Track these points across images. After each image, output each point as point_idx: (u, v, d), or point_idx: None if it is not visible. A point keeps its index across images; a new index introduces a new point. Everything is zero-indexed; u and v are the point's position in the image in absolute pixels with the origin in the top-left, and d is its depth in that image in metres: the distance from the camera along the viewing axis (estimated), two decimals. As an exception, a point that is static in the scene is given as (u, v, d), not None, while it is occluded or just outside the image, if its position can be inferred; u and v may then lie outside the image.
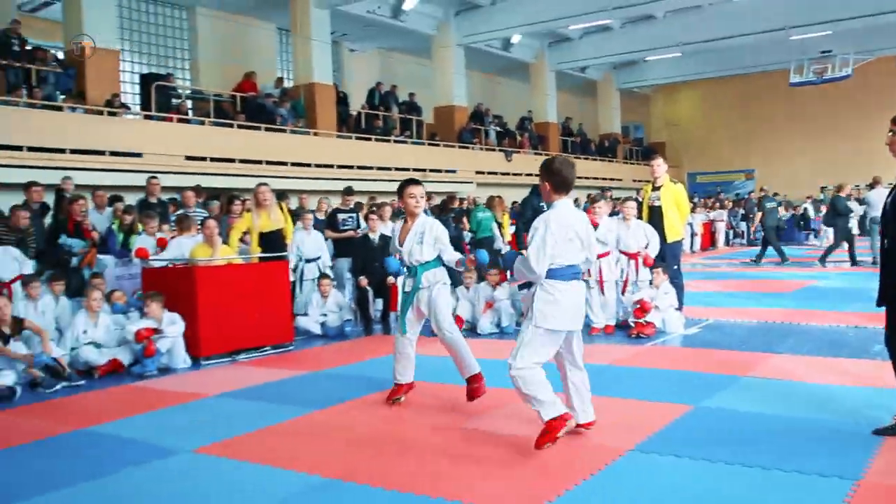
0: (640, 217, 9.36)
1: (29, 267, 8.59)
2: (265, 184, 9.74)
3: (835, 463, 4.16)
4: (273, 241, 9.40)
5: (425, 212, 6.22)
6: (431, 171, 21.56)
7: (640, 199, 9.71)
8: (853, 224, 22.00)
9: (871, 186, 16.67)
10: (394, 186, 21.66)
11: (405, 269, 5.91)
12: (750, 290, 12.10)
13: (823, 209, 23.11)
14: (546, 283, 4.54)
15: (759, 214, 19.27)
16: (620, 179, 29.20)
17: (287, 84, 20.64)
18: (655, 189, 9.31)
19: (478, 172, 23.34)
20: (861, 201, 20.64)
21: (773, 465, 4.16)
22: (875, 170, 24.56)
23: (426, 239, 5.71)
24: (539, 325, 4.52)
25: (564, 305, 4.54)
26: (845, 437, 4.63)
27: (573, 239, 4.59)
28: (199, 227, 9.51)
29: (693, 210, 20.81)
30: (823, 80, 26.59)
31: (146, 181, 11.48)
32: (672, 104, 36.80)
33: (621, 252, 9.12)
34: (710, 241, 23.98)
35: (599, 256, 8.82)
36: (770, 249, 17.98)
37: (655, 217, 9.20)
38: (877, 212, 15.63)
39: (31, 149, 13.23)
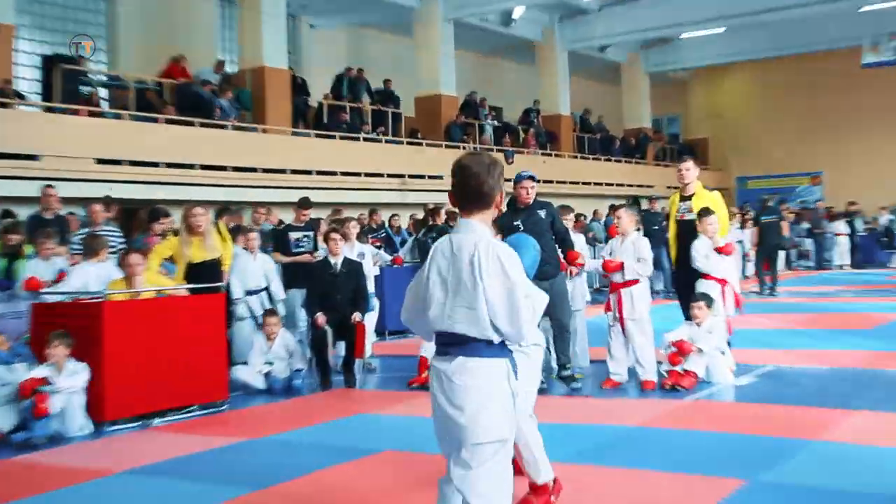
0: (664, 233, 9.31)
1: None
2: (199, 204, 9.72)
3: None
4: (206, 274, 9.30)
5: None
6: (412, 177, 21.50)
7: (667, 212, 9.62)
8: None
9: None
10: (360, 196, 21.55)
11: None
12: (820, 326, 12.03)
13: None
14: None
15: (756, 231, 19.26)
16: (651, 186, 29.10)
17: (229, 69, 20.52)
18: (685, 199, 9.28)
19: (471, 178, 23.26)
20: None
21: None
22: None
23: None
24: None
25: None
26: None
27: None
28: (110, 251, 9.35)
29: (744, 224, 20.71)
30: (905, 60, 26.76)
31: (40, 191, 11.31)
32: (715, 92, 36.98)
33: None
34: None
35: (625, 285, 8.67)
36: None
37: (686, 233, 9.11)
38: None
39: None
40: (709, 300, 8.85)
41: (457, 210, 3.73)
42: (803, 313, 14.10)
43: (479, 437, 3.45)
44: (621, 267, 8.71)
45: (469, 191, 3.64)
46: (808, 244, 26.02)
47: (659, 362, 8.69)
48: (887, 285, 19.08)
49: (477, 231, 3.57)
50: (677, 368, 8.45)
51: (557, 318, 8.29)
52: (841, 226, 25.82)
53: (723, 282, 8.89)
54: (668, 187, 28.94)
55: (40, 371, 7.52)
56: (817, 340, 10.88)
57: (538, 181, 8.73)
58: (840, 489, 5.08)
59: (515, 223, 8.10)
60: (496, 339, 3.49)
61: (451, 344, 3.57)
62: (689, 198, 9.21)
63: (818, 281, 20.35)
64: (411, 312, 3.76)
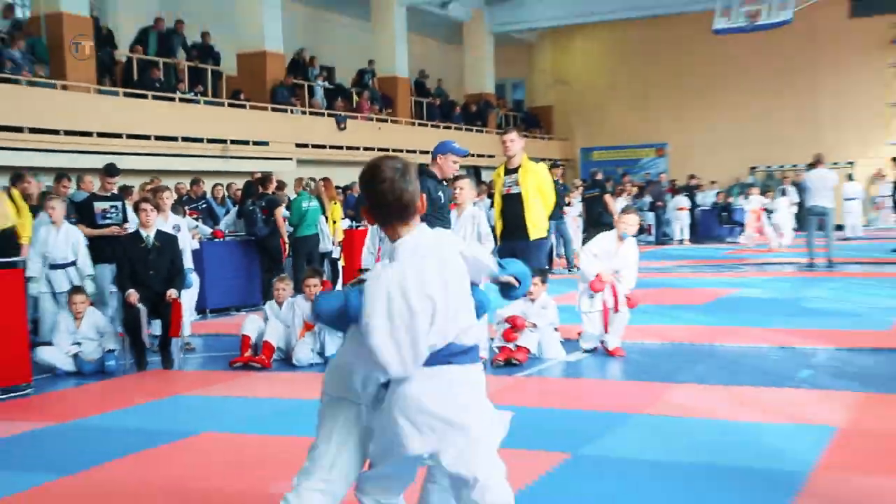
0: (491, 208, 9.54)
1: None
2: None
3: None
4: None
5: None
6: (233, 142, 21.37)
7: (492, 187, 9.87)
8: (788, 214, 23.36)
9: (811, 166, 17.50)
10: (178, 164, 21.31)
11: None
12: (656, 301, 12.68)
13: (753, 195, 24.38)
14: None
15: (582, 206, 20.16)
16: (493, 156, 29.61)
17: (21, 15, 19.90)
18: (511, 171, 9.58)
19: (299, 145, 23.30)
20: (799, 186, 21.91)
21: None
22: (820, 145, 26.08)
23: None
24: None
25: None
26: (761, 487, 5.03)
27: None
28: None
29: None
30: (756, 27, 27.36)
31: None
32: (562, 56, 37.56)
33: None
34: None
35: None
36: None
37: (513, 207, 9.45)
38: (815, 200, 16.70)
39: None
40: (543, 275, 9.37)
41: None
42: (639, 289, 14.80)
43: None
44: None
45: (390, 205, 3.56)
46: (650, 218, 27.15)
47: (490, 338, 9.02)
48: (725, 260, 20.26)
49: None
50: (509, 345, 8.93)
51: None
52: (682, 200, 27.16)
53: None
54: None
55: None
56: (651, 316, 11.40)
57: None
58: (658, 460, 5.56)
59: (439, 194, 8.19)
60: None
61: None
62: (516, 170, 9.50)
63: (657, 256, 21.24)
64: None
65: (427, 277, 3.42)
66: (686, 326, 10.82)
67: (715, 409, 6.83)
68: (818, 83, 32.72)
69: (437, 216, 7.95)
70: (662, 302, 12.77)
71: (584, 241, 18.98)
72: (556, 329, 9.35)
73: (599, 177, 20.67)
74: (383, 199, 3.54)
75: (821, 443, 5.82)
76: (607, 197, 19.36)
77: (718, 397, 7.24)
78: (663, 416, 6.70)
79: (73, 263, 10.53)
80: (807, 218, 17.32)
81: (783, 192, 24.13)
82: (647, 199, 27.43)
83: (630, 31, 34.60)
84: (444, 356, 3.52)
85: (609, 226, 10.31)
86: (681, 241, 26.65)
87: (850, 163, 30.84)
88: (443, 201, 8.30)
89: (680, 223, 26.96)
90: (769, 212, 23.39)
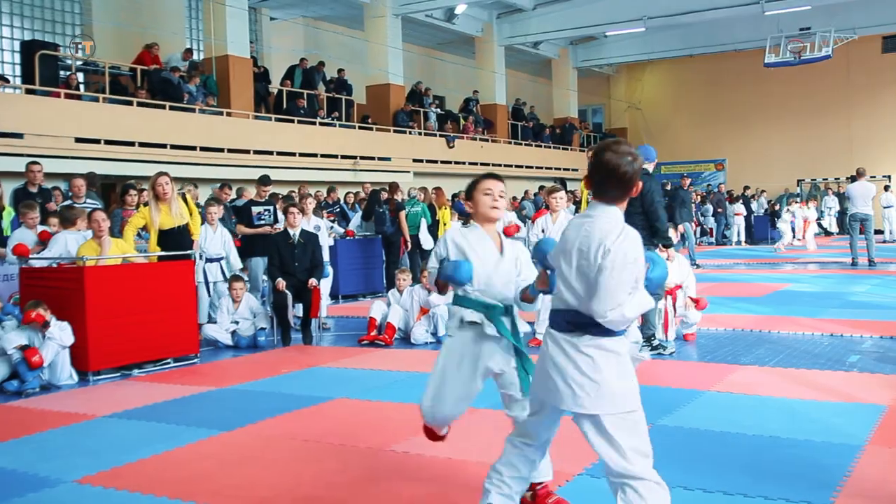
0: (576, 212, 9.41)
1: None
2: (164, 173, 9.58)
3: (804, 487, 4.26)
4: (175, 240, 9.30)
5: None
6: (363, 158, 21.56)
7: (578, 196, 9.75)
8: (831, 221, 22.67)
9: (853, 179, 16.99)
10: (318, 175, 21.44)
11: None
12: (719, 294, 12.33)
13: (794, 205, 23.73)
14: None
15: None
16: (576, 169, 29.51)
17: (197, 56, 20.37)
18: None
19: (415, 160, 23.38)
20: (841, 196, 21.26)
21: (736, 489, 4.25)
22: (858, 160, 25.40)
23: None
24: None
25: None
26: (817, 458, 4.75)
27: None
28: (87, 220, 9.34)
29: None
30: (801, 61, 27.17)
31: (25, 166, 11.21)
32: (635, 86, 37.29)
33: None
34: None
35: None
36: None
37: None
38: (858, 208, 16.13)
39: None
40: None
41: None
42: (705, 283, 14.44)
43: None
44: None
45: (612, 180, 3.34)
46: (712, 222, 26.76)
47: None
48: (776, 259, 19.67)
49: (613, 217, 3.31)
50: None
51: None
52: (739, 207, 26.61)
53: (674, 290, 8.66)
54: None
55: (24, 336, 7.53)
56: (716, 306, 11.04)
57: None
58: (726, 430, 5.32)
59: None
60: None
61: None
62: None
63: (719, 255, 20.81)
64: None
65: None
66: (746, 316, 10.42)
67: (774, 388, 6.52)
68: (853, 109, 32.23)
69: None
70: (725, 294, 12.42)
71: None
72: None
73: (668, 187, 20.19)
74: (611, 175, 3.33)
75: (872, 419, 5.49)
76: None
77: (777, 378, 6.92)
78: (729, 394, 6.42)
79: (221, 258, 10.56)
80: (850, 223, 16.75)
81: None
82: (710, 206, 26.85)
83: (692, 65, 34.31)
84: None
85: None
86: (738, 243, 26.10)
87: (887, 176, 29.84)
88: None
89: (737, 227, 26.37)
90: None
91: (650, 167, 8.23)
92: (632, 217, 7.60)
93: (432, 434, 4.24)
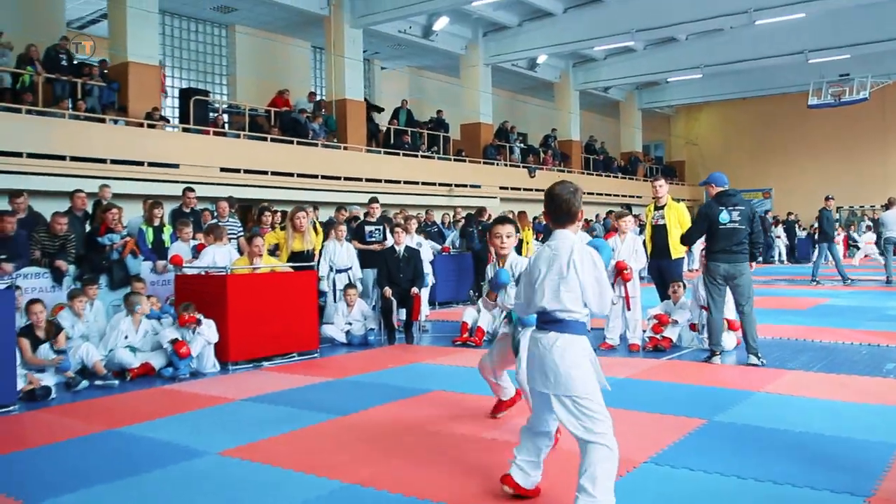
0: (640, 234, 9.23)
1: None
2: (303, 209, 9.80)
3: (847, 479, 4.08)
4: (302, 258, 9.51)
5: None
6: (457, 185, 21.62)
7: (643, 219, 9.53)
8: (868, 244, 21.79)
9: (887, 207, 16.46)
10: (420, 200, 21.45)
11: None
12: (765, 307, 11.94)
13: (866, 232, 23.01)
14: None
15: None
16: (640, 196, 29.08)
17: (319, 99, 20.78)
18: (659, 208, 9.26)
19: (501, 188, 23.33)
20: (876, 222, 20.46)
21: (784, 479, 4.09)
22: (891, 190, 24.42)
23: None
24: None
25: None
26: (858, 453, 4.54)
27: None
28: (229, 237, 9.58)
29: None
30: (841, 103, 26.33)
31: (182, 192, 11.56)
32: (692, 124, 36.63)
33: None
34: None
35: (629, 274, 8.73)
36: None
37: (660, 235, 9.13)
38: (891, 232, 15.51)
39: (73, 158, 13.41)
40: (683, 283, 8.93)
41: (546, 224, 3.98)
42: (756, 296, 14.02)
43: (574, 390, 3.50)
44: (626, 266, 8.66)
45: (561, 211, 3.62)
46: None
47: (643, 330, 8.74)
48: (819, 276, 18.91)
49: (569, 238, 3.59)
50: (657, 335, 8.55)
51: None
52: (780, 230, 25.88)
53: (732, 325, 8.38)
54: (653, 198, 28.87)
55: (176, 332, 7.77)
56: (763, 317, 10.65)
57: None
58: (776, 427, 5.14)
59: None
60: (582, 316, 3.55)
61: (549, 322, 3.58)
62: (662, 207, 9.20)
63: (765, 272, 20.18)
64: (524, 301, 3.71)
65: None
66: (791, 326, 10.04)
67: (818, 391, 6.26)
68: (888, 144, 31.23)
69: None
70: (771, 307, 11.99)
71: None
72: (692, 325, 8.84)
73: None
74: (559, 208, 3.64)
75: (910, 421, 5.22)
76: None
77: (820, 381, 6.64)
78: (777, 395, 6.18)
79: (349, 269, 10.68)
80: (884, 245, 16.08)
81: (867, 228, 22.66)
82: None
83: (742, 105, 33.67)
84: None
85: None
86: (781, 261, 25.22)
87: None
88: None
89: (778, 248, 25.58)
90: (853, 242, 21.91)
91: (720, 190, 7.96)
92: (741, 245, 7.46)
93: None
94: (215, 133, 16.30)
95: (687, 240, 8.33)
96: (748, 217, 7.67)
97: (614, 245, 8.89)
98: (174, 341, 7.61)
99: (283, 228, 9.90)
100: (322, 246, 10.56)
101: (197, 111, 16.60)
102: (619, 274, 8.68)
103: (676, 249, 9.06)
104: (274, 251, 9.66)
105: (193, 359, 7.72)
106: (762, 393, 6.23)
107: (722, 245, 7.61)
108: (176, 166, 14.86)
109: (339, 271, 10.56)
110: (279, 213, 11.64)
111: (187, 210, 11.26)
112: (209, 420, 5.87)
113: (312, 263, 9.45)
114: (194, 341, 7.70)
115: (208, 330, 7.78)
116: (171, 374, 7.56)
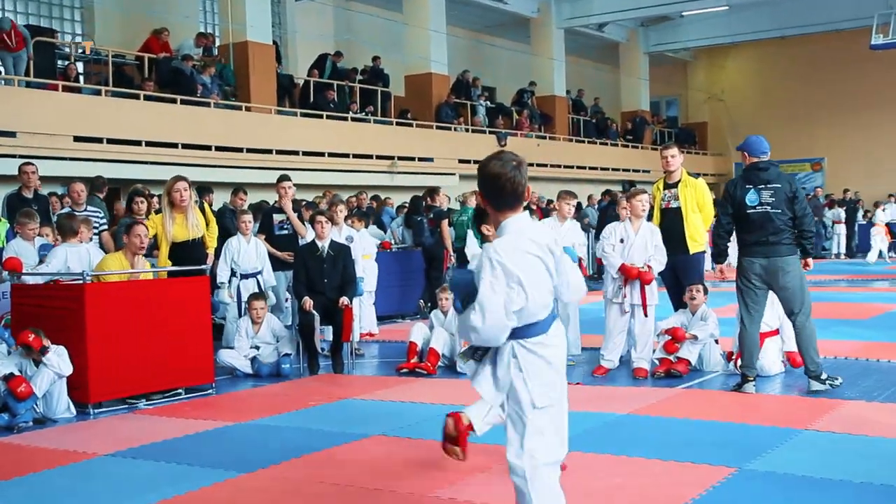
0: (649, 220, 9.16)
1: None
2: (182, 178, 9.66)
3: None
4: (189, 253, 9.39)
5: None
6: (401, 158, 21.56)
7: (651, 201, 9.53)
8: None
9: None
10: (351, 178, 21.40)
11: None
12: (815, 315, 12.11)
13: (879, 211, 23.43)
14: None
15: None
16: (648, 171, 29.21)
17: (212, 43, 20.53)
18: (670, 186, 9.30)
19: (462, 161, 23.30)
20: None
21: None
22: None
23: None
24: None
25: None
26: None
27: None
28: (91, 231, 9.44)
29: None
30: (917, 43, 26.62)
31: (18, 169, 11.32)
32: (716, 74, 36.92)
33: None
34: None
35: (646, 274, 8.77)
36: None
37: (672, 222, 9.15)
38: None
39: None
40: (705, 286, 9.02)
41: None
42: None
43: None
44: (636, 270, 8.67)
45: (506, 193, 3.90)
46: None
47: (652, 350, 8.80)
48: (883, 275, 19.26)
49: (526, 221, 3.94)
50: (670, 356, 8.63)
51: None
52: (840, 214, 26.16)
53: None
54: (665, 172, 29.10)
55: (11, 364, 7.59)
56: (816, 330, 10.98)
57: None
58: (827, 478, 5.20)
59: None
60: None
61: None
62: (675, 185, 9.22)
63: (814, 270, 20.43)
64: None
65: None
66: (850, 342, 10.21)
67: (885, 427, 6.38)
68: None
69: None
70: (825, 316, 12.14)
71: None
72: (716, 341, 8.95)
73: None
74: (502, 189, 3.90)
75: None
76: None
77: (888, 415, 6.78)
78: (831, 433, 6.29)
79: (259, 273, 10.62)
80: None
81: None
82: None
83: (783, 48, 33.57)
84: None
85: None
86: (837, 256, 25.67)
87: None
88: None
89: (837, 237, 25.96)
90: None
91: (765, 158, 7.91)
92: (781, 233, 7.54)
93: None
94: (65, 89, 16.02)
95: (715, 231, 8.32)
96: (786, 197, 7.64)
97: (623, 235, 8.82)
98: (8, 377, 7.47)
99: (158, 212, 9.75)
100: (225, 245, 10.50)
101: (40, 58, 16.31)
102: (629, 274, 8.68)
103: (695, 241, 9.13)
104: (151, 250, 9.56)
105: (38, 400, 7.59)
106: (810, 431, 6.33)
107: (756, 236, 7.66)
108: (11, 134, 14.58)
109: (244, 276, 10.50)
110: (156, 199, 11.48)
111: (27, 194, 11.07)
112: (60, 485, 5.78)
113: (203, 267, 9.36)
114: (39, 375, 7.58)
115: (58, 359, 7.66)
116: (7, 422, 7.41)
